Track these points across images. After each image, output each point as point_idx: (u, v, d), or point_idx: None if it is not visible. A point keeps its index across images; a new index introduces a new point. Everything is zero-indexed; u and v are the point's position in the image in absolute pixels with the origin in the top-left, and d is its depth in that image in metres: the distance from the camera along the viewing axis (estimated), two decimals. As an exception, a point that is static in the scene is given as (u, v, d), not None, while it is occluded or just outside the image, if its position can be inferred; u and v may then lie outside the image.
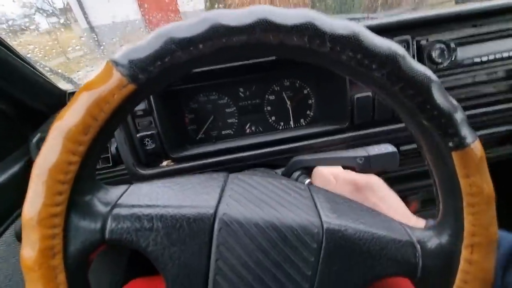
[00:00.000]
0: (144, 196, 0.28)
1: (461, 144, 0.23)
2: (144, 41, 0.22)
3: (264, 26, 0.21)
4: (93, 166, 0.26)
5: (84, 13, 5.45)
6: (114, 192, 0.28)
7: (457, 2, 0.95)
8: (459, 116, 0.23)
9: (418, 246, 0.27)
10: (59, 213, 0.23)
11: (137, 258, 0.85)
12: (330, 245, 0.26)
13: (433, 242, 0.27)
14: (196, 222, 0.26)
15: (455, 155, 0.23)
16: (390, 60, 0.21)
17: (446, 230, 0.26)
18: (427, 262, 0.26)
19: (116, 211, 0.26)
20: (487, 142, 0.69)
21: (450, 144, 0.23)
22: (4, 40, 0.55)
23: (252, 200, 0.30)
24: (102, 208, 0.26)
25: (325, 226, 0.27)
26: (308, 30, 0.21)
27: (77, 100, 0.22)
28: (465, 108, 0.59)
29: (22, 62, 0.58)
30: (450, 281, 0.26)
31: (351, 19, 0.67)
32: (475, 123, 0.63)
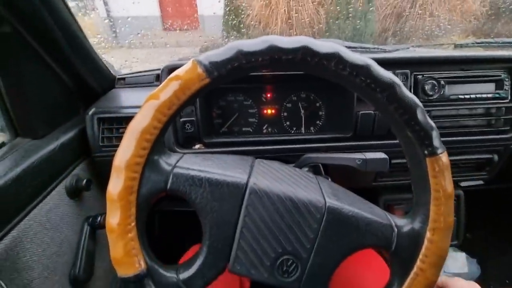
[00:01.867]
0: (195, 163, 0.39)
1: (433, 153, 0.32)
2: (221, 50, 0.32)
3: (306, 51, 0.31)
4: (164, 134, 0.35)
5: (105, 3, 5.61)
6: (174, 157, 0.39)
7: (455, 46, 1.08)
8: (434, 133, 0.32)
9: (396, 229, 0.36)
10: (140, 163, 0.32)
11: None
12: (330, 217, 0.36)
13: (407, 226, 0.36)
14: (233, 186, 0.36)
15: (428, 160, 0.33)
16: (390, 87, 0.31)
17: (417, 218, 0.36)
18: (400, 240, 0.36)
19: (176, 170, 0.36)
20: (468, 166, 0.81)
21: (425, 152, 0.32)
22: (76, 20, 0.63)
23: (274, 177, 0.40)
24: (166, 167, 0.36)
25: (327, 204, 0.36)
26: (336, 58, 0.31)
27: (169, 85, 0.32)
28: (448, 134, 0.71)
29: (88, 43, 0.68)
30: (415, 254, 0.35)
31: (365, 50, 0.80)
32: (456, 148, 0.75)
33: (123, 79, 0.82)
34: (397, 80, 0.31)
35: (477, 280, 0.58)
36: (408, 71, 0.68)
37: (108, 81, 0.78)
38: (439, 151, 0.33)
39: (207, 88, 0.33)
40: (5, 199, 0.47)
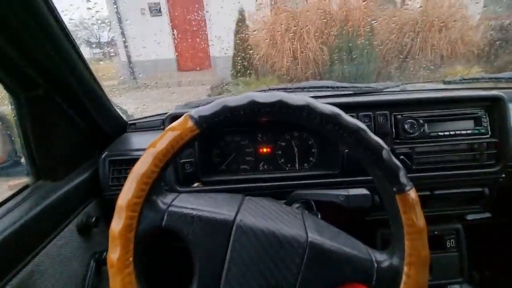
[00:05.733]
0: (188, 202, 0.44)
1: (401, 190, 0.36)
2: (209, 106, 0.38)
3: (281, 104, 0.37)
4: (162, 177, 0.40)
5: (126, 49, 6.17)
6: (169, 197, 0.45)
7: (444, 82, 1.14)
8: (401, 172, 0.36)
9: (375, 264, 0.39)
10: (139, 203, 0.36)
11: None
12: (312, 252, 0.39)
13: (386, 261, 0.39)
14: (221, 223, 0.40)
15: (398, 197, 0.36)
16: (356, 132, 0.36)
17: (396, 253, 0.39)
18: (380, 274, 0.38)
19: (171, 209, 0.42)
20: (459, 200, 0.82)
21: (394, 189, 0.36)
22: (95, 76, 0.72)
23: (260, 214, 0.45)
24: (162, 206, 0.42)
25: (309, 239, 0.40)
26: (307, 109, 0.36)
27: (165, 135, 0.38)
28: (435, 169, 0.74)
29: (104, 94, 0.79)
30: None
31: (357, 90, 0.86)
32: (445, 182, 0.77)
33: (134, 124, 0.92)
34: (362, 125, 0.36)
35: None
36: (387, 112, 0.74)
37: (120, 127, 0.88)
38: (407, 188, 0.36)
39: (197, 138, 0.39)
40: (25, 236, 0.54)
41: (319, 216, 0.60)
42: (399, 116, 0.74)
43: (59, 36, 0.54)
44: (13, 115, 0.57)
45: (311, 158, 0.86)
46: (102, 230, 0.78)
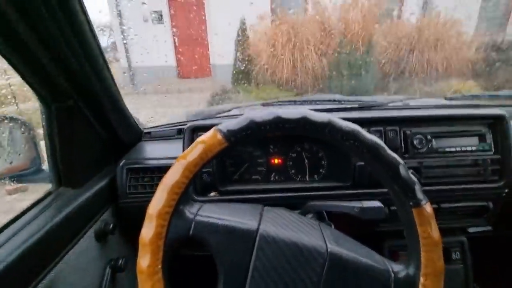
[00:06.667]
0: (213, 211, 0.46)
1: (417, 204, 0.38)
2: (236, 120, 0.40)
3: (305, 121, 0.39)
4: (190, 187, 0.42)
5: (127, 54, 6.21)
6: (195, 206, 0.46)
7: (446, 98, 1.18)
8: (417, 186, 0.38)
9: (392, 274, 0.41)
10: (169, 212, 0.38)
11: None
12: (331, 262, 0.41)
13: (403, 272, 0.41)
14: (245, 232, 0.42)
15: (414, 211, 0.38)
16: (374, 148, 0.38)
17: (412, 264, 0.40)
18: (397, 285, 0.40)
19: (198, 218, 0.43)
20: (464, 213, 0.85)
21: (411, 203, 0.38)
22: (115, 80, 0.74)
23: (281, 224, 0.47)
24: (189, 215, 0.43)
25: (329, 249, 0.42)
26: (329, 126, 0.39)
27: (195, 147, 0.40)
28: (441, 183, 0.77)
29: (122, 100, 0.80)
30: None
31: (362, 104, 0.90)
32: (451, 196, 0.80)
33: (149, 133, 0.94)
34: (380, 142, 0.39)
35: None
36: (397, 127, 0.78)
37: (136, 135, 0.90)
38: (422, 202, 0.38)
39: (225, 151, 0.41)
40: (48, 243, 0.54)
41: (332, 227, 0.62)
42: (408, 132, 0.78)
43: (95, 51, 0.57)
44: (42, 123, 0.59)
45: (321, 170, 0.89)
46: (117, 237, 0.78)
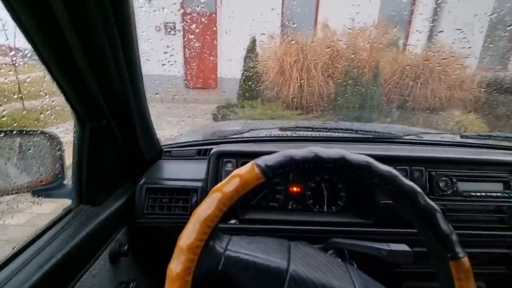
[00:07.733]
0: (242, 247, 0.45)
1: (456, 257, 0.37)
2: (275, 155, 0.40)
3: (343, 161, 0.39)
4: (221, 221, 0.41)
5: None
6: (224, 240, 0.45)
7: (461, 136, 1.19)
8: (454, 237, 0.38)
9: None
10: (200, 246, 0.38)
11: None
12: None
13: None
14: (275, 271, 0.42)
15: (452, 263, 0.38)
16: (412, 194, 0.38)
17: None
18: None
19: (227, 253, 0.42)
20: (483, 259, 0.84)
21: (448, 255, 0.38)
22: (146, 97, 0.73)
23: (310, 264, 0.46)
24: (219, 250, 0.42)
25: None
26: (367, 168, 0.39)
27: (231, 181, 0.39)
28: (464, 228, 0.76)
29: (151, 120, 0.80)
30: None
31: (379, 136, 0.90)
32: (471, 242, 0.79)
33: (169, 151, 0.93)
34: (418, 189, 0.39)
35: None
36: (423, 168, 0.78)
37: (156, 153, 0.89)
38: (461, 255, 0.38)
39: (262, 186, 0.41)
40: (68, 264, 0.52)
41: (355, 266, 0.60)
42: (433, 173, 0.78)
43: (138, 71, 0.57)
44: (73, 141, 0.58)
45: (339, 202, 0.88)
46: (129, 258, 0.76)
